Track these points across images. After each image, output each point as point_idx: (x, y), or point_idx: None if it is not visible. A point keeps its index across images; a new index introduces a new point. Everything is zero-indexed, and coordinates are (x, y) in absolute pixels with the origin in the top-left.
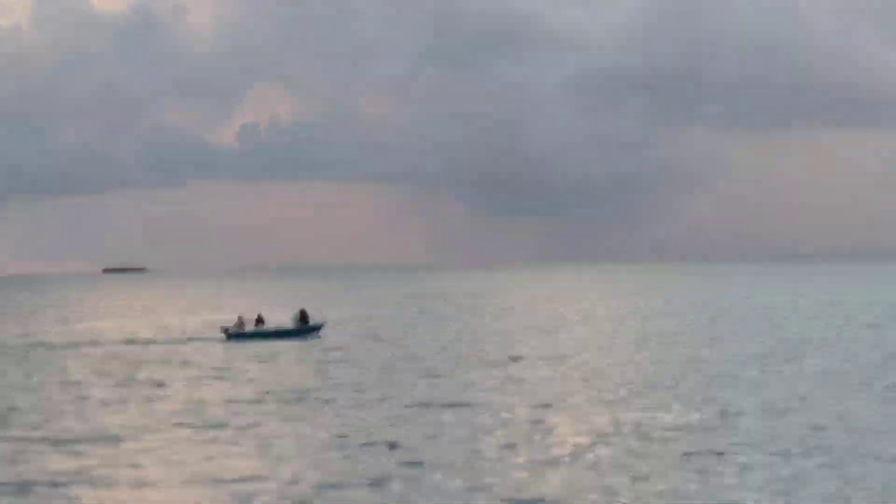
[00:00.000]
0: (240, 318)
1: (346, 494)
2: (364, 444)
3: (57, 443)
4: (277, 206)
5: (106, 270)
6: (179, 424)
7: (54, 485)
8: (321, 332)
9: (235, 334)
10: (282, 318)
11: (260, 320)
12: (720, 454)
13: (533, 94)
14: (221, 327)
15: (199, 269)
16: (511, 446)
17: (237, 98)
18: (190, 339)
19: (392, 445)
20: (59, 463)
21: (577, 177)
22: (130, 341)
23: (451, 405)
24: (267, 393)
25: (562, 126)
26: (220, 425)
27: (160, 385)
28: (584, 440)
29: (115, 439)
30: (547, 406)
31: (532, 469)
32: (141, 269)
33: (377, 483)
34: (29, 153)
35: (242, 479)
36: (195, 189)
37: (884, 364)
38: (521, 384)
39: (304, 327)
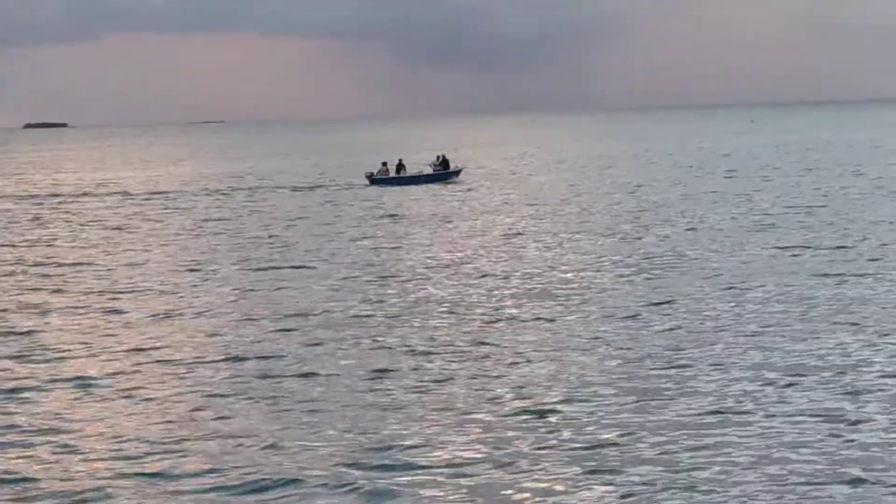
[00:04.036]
0: (384, 164)
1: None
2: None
3: None
4: (201, 61)
5: (28, 126)
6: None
7: None
8: (459, 177)
9: (378, 179)
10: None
11: (401, 166)
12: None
13: None
14: (366, 173)
15: (120, 123)
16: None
17: None
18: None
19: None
20: None
21: (503, 27)
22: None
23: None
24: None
25: None
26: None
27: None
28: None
29: None
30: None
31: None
32: (63, 125)
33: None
34: None
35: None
36: (115, 43)
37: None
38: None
39: (443, 172)
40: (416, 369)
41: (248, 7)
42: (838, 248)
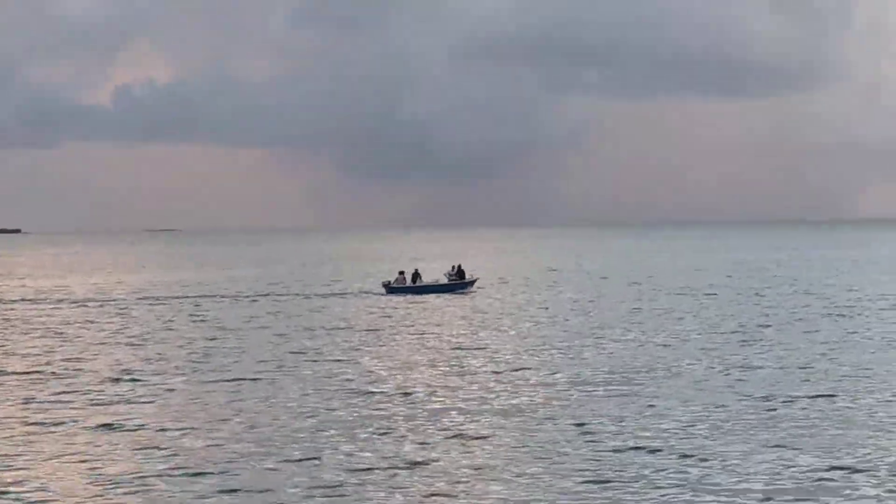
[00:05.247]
0: (401, 273)
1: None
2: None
3: None
4: (154, 170)
5: None
6: None
7: None
8: (473, 287)
9: (395, 288)
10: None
11: (417, 275)
12: None
13: (416, 58)
14: (383, 282)
15: (75, 231)
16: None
17: (112, 58)
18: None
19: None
20: None
21: (457, 142)
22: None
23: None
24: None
25: (443, 91)
26: None
27: None
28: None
29: None
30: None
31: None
32: (16, 231)
33: None
34: None
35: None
36: (70, 150)
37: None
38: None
39: (458, 282)
40: (357, 486)
41: (204, 118)
42: (781, 368)
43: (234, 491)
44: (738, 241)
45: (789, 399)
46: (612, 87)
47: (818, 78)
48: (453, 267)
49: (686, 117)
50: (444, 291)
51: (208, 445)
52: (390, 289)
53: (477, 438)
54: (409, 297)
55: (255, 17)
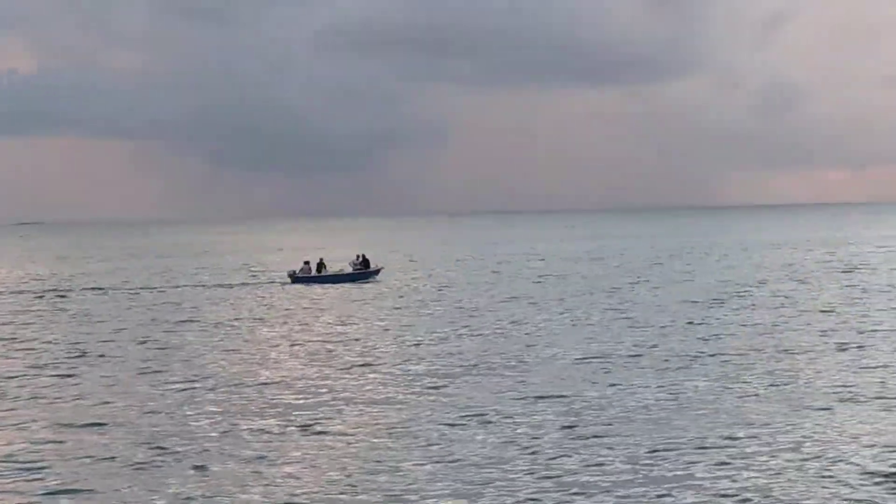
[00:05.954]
0: (306, 262)
1: None
2: None
3: None
4: (18, 162)
5: None
6: None
7: None
8: (378, 276)
9: (300, 278)
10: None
11: (322, 265)
12: None
13: (282, 49)
14: (288, 272)
15: None
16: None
17: None
18: None
19: None
20: None
21: (322, 133)
22: None
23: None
24: None
25: (309, 82)
26: None
27: None
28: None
29: None
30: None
31: None
32: None
33: None
34: None
35: None
36: None
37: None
38: None
39: (362, 271)
40: (201, 483)
41: (69, 110)
42: (634, 356)
43: (77, 492)
44: (601, 229)
45: (662, 386)
46: (478, 77)
47: (680, 67)
48: (358, 256)
49: (551, 107)
50: (349, 281)
51: (49, 441)
52: (295, 278)
53: (334, 431)
54: (314, 286)
55: (122, 9)
